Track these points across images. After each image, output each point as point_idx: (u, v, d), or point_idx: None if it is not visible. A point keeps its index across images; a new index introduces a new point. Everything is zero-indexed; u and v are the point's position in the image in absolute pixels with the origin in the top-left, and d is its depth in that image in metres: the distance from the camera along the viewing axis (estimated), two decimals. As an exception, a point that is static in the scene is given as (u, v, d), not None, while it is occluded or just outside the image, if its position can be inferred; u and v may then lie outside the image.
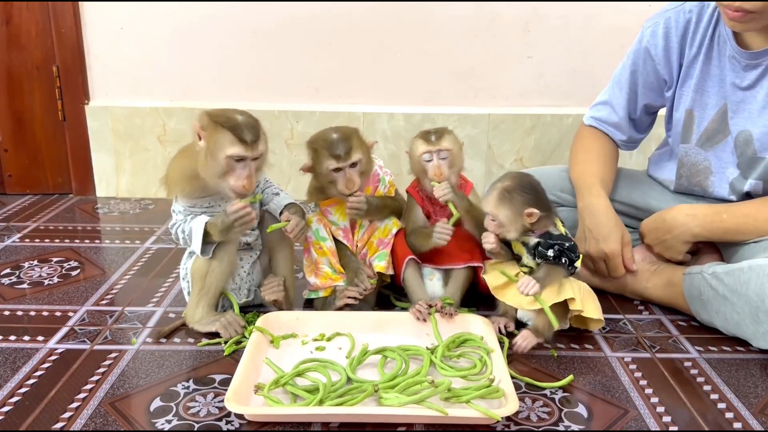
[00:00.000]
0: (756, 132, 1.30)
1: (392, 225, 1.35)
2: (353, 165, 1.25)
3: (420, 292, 1.31)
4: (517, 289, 1.19)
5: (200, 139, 1.15)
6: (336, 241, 1.35)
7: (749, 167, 1.33)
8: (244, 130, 1.13)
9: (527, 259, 1.22)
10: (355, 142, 1.25)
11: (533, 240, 1.20)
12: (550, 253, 1.18)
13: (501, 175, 1.24)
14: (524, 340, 1.19)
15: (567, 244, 1.19)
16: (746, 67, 1.28)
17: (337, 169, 1.24)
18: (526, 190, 1.19)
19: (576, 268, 1.21)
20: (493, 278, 1.25)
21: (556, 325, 1.18)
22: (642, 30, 1.42)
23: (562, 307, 1.20)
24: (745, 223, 1.29)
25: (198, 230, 1.20)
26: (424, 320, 1.24)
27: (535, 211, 1.17)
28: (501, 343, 1.19)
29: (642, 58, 1.42)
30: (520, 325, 1.25)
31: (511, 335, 1.24)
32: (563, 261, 1.18)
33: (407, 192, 1.37)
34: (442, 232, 1.26)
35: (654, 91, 1.44)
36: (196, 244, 1.21)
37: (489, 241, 1.23)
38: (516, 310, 1.25)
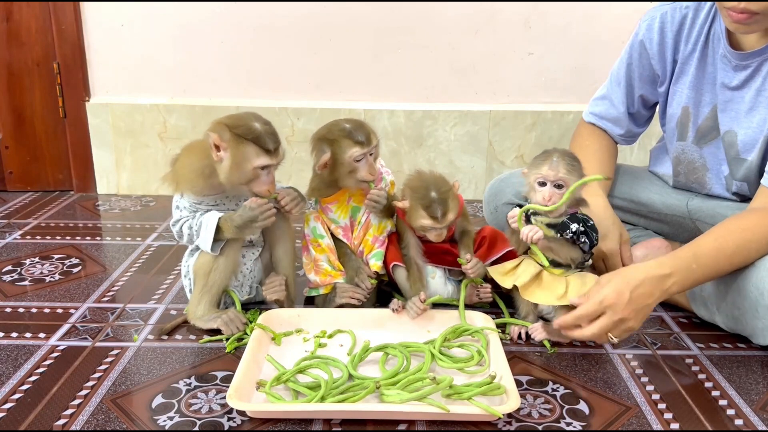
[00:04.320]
0: (741, 133, 1.29)
1: (387, 222, 1.35)
2: (371, 152, 1.25)
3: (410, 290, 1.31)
4: (521, 236, 1.18)
5: (219, 150, 1.16)
6: (335, 239, 1.35)
7: (735, 167, 1.33)
8: (267, 139, 1.16)
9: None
10: (368, 128, 1.26)
11: (562, 218, 1.19)
12: (573, 227, 1.17)
13: (542, 152, 1.20)
14: (535, 331, 1.22)
15: (591, 222, 1.19)
16: (736, 67, 1.27)
17: (359, 158, 1.24)
18: (578, 159, 1.19)
19: (593, 254, 1.22)
20: (513, 278, 1.25)
21: (546, 263, 1.19)
22: (639, 24, 1.42)
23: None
24: (710, 270, 1.17)
25: (210, 225, 1.21)
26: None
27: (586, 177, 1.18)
28: (502, 341, 1.19)
29: (638, 52, 1.42)
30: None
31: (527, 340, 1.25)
32: (582, 240, 1.18)
33: (399, 218, 1.34)
34: (413, 309, 1.26)
35: (649, 85, 1.44)
36: (207, 240, 1.21)
37: (534, 232, 1.19)
38: (536, 309, 1.26)
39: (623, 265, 1.37)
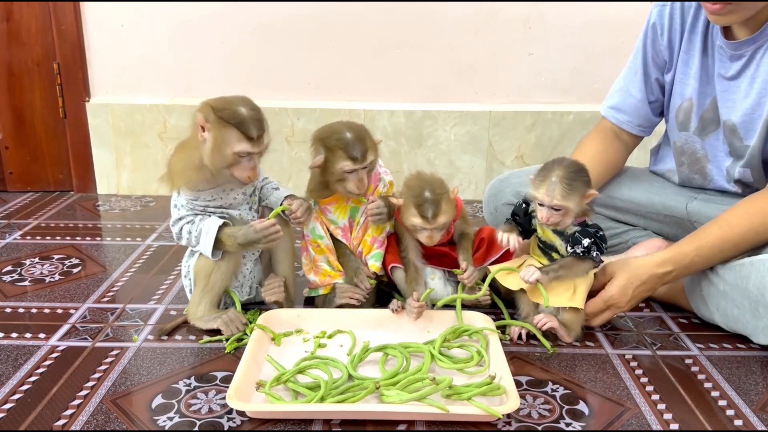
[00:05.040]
0: (738, 121, 1.31)
1: (386, 223, 1.35)
2: (365, 167, 1.24)
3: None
4: (520, 278, 1.20)
5: (203, 130, 1.15)
6: (334, 239, 1.34)
7: (738, 155, 1.35)
8: (250, 126, 1.14)
9: (561, 247, 1.21)
10: (369, 143, 1.24)
11: (572, 228, 1.20)
12: (585, 242, 1.18)
13: (546, 165, 1.20)
14: (545, 317, 1.21)
15: (600, 233, 1.20)
16: (731, 57, 1.30)
17: (349, 171, 1.23)
18: (581, 174, 1.18)
19: (602, 261, 1.25)
20: (519, 281, 1.25)
21: (547, 305, 1.21)
22: (650, 10, 1.44)
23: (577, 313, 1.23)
24: (714, 258, 1.24)
25: (211, 233, 1.20)
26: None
27: (594, 191, 1.19)
28: (502, 341, 1.19)
29: (650, 37, 1.43)
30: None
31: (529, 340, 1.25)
32: (593, 254, 1.19)
33: (396, 221, 1.34)
34: (411, 311, 1.25)
35: (662, 71, 1.45)
36: (207, 248, 1.21)
37: (509, 243, 1.23)
38: (537, 309, 1.26)
39: None
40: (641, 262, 1.24)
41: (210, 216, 1.24)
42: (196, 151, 1.18)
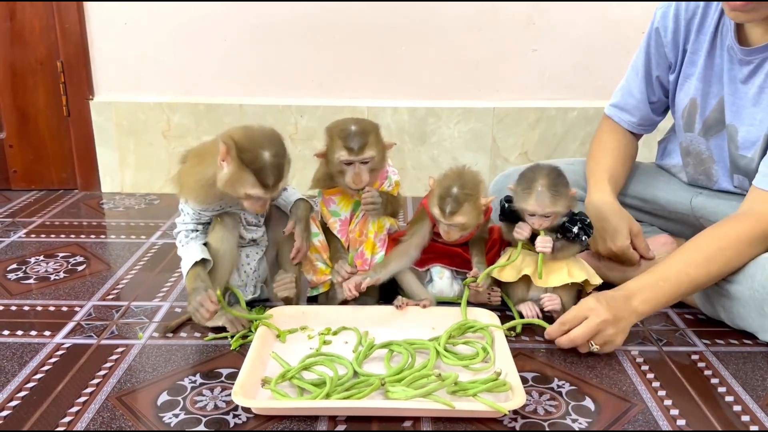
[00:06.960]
0: (741, 129, 1.30)
1: (386, 220, 1.34)
2: (364, 161, 1.23)
3: (416, 288, 1.32)
4: (536, 246, 1.23)
5: (223, 160, 1.13)
6: (328, 235, 1.34)
7: (736, 162, 1.34)
8: (269, 173, 1.12)
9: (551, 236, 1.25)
10: (372, 139, 1.23)
11: (560, 219, 1.24)
12: (575, 229, 1.23)
13: (524, 175, 1.23)
14: (551, 300, 1.24)
15: (587, 220, 1.25)
16: (740, 61, 1.28)
17: (348, 163, 1.23)
18: (561, 177, 1.22)
19: (588, 245, 1.32)
20: (516, 272, 1.28)
21: (540, 276, 1.24)
22: (654, 12, 1.44)
23: (572, 290, 1.27)
24: (683, 282, 1.18)
25: (188, 262, 1.21)
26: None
27: (575, 189, 1.24)
28: (507, 338, 1.19)
29: (654, 40, 1.43)
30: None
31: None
32: (583, 238, 1.24)
33: (422, 205, 1.32)
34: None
35: (666, 73, 1.46)
36: (184, 272, 1.22)
37: (524, 234, 1.25)
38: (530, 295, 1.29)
39: (640, 257, 1.38)
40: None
41: (199, 234, 1.25)
42: (211, 168, 1.16)
